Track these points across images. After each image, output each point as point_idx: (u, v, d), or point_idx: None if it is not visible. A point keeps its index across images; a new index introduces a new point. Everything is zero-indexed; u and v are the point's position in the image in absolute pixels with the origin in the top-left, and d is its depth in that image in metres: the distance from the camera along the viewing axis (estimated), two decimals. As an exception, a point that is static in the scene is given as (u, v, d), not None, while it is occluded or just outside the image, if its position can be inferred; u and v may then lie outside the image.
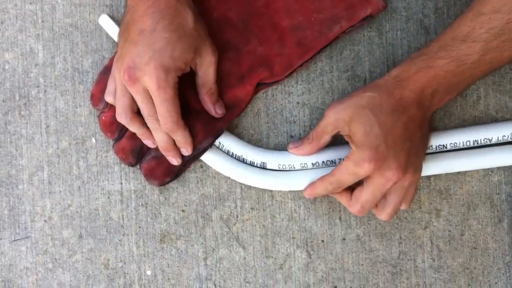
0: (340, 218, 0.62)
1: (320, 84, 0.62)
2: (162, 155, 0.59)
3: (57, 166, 0.63)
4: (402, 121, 0.53)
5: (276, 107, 0.62)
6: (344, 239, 0.62)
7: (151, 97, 0.55)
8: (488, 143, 0.58)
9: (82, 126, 0.63)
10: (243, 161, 0.61)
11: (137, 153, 0.61)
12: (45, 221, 0.63)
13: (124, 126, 0.59)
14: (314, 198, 0.61)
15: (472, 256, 0.61)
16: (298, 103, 0.62)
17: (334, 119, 0.54)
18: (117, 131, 0.61)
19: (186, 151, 0.59)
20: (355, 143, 0.53)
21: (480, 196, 0.61)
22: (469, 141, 0.58)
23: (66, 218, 0.63)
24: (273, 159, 0.60)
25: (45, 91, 0.63)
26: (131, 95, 0.56)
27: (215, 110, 0.59)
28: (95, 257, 0.63)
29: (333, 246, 0.62)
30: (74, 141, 0.63)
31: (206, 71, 0.57)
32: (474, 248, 0.61)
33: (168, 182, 0.61)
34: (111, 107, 0.60)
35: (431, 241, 0.61)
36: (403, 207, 0.56)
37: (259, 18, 0.60)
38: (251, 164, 0.60)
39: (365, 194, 0.54)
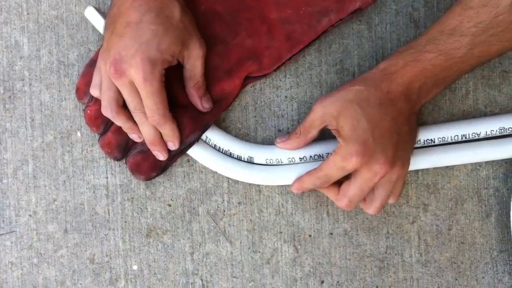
0: (327, 212, 0.61)
1: (308, 78, 0.61)
2: (148, 149, 0.59)
3: (42, 160, 0.63)
4: (390, 114, 0.53)
5: (264, 101, 0.62)
6: (331, 233, 0.61)
7: (137, 90, 0.54)
8: (477, 137, 0.58)
9: (67, 120, 0.62)
10: (230, 155, 0.60)
11: (123, 148, 0.60)
12: (30, 215, 0.63)
13: (109, 120, 0.58)
14: (301, 193, 0.61)
15: (459, 250, 0.61)
16: (286, 97, 0.62)
17: (322, 114, 0.54)
18: (102, 125, 0.60)
19: (173, 145, 0.58)
20: (343, 137, 0.53)
21: (468, 191, 0.61)
22: (458, 135, 0.58)
23: (51, 213, 0.63)
24: (260, 154, 0.60)
25: (30, 84, 0.62)
26: (117, 88, 0.55)
27: (202, 104, 0.58)
28: (80, 251, 0.63)
29: (321, 241, 0.61)
30: (59, 135, 0.63)
31: (194, 64, 0.57)
32: (462, 242, 0.61)
33: (154, 177, 0.61)
34: (97, 101, 0.59)
35: (419, 236, 0.61)
36: (391, 201, 0.56)
37: (248, 10, 0.60)
38: (238, 159, 0.60)
39: (352, 188, 0.54)
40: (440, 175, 0.61)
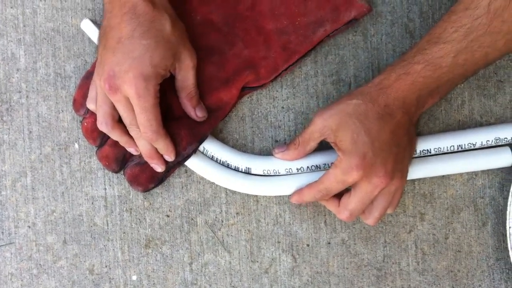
0: (325, 222, 0.62)
1: (305, 88, 0.62)
2: (146, 161, 0.59)
3: (40, 171, 0.63)
4: (389, 127, 0.53)
5: (261, 111, 0.62)
6: (329, 243, 0.62)
7: (132, 105, 0.54)
8: (472, 147, 0.58)
9: (65, 132, 0.63)
10: (227, 166, 0.60)
11: (120, 160, 0.60)
12: (29, 227, 0.63)
13: (106, 135, 0.58)
14: (299, 203, 0.61)
15: (456, 259, 0.61)
16: (283, 107, 0.62)
17: (321, 126, 0.54)
18: (99, 137, 0.60)
19: (170, 158, 0.58)
20: (343, 151, 0.53)
21: (464, 200, 0.61)
22: (453, 145, 0.58)
23: (50, 224, 0.63)
24: (258, 164, 0.60)
25: (27, 96, 0.63)
26: (112, 103, 0.55)
27: (196, 113, 0.58)
28: (79, 262, 0.63)
29: (319, 250, 0.62)
30: (57, 146, 0.63)
31: (185, 75, 0.57)
32: (458, 251, 0.61)
33: (152, 188, 0.61)
34: (93, 113, 0.59)
35: (416, 245, 0.61)
36: (389, 211, 0.56)
37: (244, 21, 0.60)
38: (236, 169, 0.60)
39: (353, 201, 0.54)
40: (436, 185, 0.61)
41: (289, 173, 0.59)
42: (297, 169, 0.59)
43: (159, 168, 0.59)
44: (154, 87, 0.54)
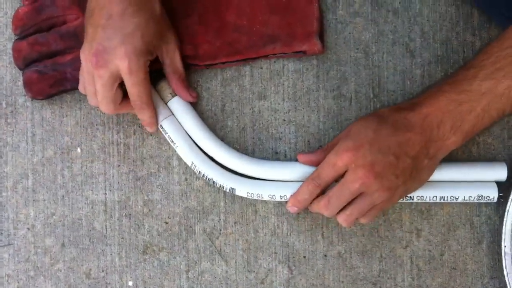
0: (322, 234, 0.62)
1: (306, 102, 0.62)
2: (48, 72, 0.60)
3: (41, 174, 0.63)
4: (397, 138, 0.53)
5: (262, 123, 0.63)
6: (325, 255, 0.62)
7: (112, 84, 0.55)
8: (455, 201, 0.59)
9: (67, 136, 0.63)
10: (213, 184, 0.61)
11: (29, 61, 0.61)
12: (28, 229, 0.63)
13: (30, 31, 0.61)
14: (297, 211, 0.61)
15: (451, 276, 0.62)
16: (284, 120, 0.63)
17: (347, 130, 0.57)
18: (21, 29, 0.62)
19: (150, 129, 0.60)
20: (344, 136, 0.55)
21: (461, 218, 0.62)
22: (436, 196, 0.59)
23: (49, 227, 0.63)
24: (242, 186, 0.60)
25: (32, 99, 0.63)
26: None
27: (190, 94, 0.60)
28: (77, 266, 0.63)
29: (315, 262, 0.62)
30: (59, 150, 0.63)
31: (173, 57, 0.59)
32: (453, 268, 0.62)
33: (39, 99, 0.62)
34: (33, 3, 0.61)
35: (411, 260, 0.62)
36: (362, 219, 0.56)
37: (209, 1, 0.61)
38: (221, 188, 0.61)
39: (334, 189, 0.55)
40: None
41: (272, 198, 0.60)
42: (280, 196, 0.59)
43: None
44: (145, 63, 0.55)
